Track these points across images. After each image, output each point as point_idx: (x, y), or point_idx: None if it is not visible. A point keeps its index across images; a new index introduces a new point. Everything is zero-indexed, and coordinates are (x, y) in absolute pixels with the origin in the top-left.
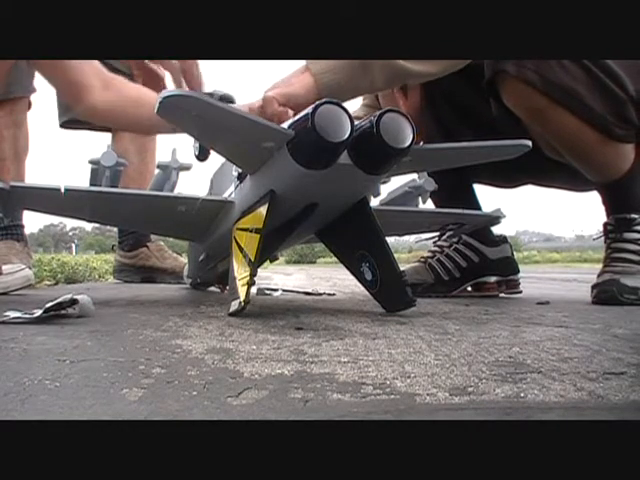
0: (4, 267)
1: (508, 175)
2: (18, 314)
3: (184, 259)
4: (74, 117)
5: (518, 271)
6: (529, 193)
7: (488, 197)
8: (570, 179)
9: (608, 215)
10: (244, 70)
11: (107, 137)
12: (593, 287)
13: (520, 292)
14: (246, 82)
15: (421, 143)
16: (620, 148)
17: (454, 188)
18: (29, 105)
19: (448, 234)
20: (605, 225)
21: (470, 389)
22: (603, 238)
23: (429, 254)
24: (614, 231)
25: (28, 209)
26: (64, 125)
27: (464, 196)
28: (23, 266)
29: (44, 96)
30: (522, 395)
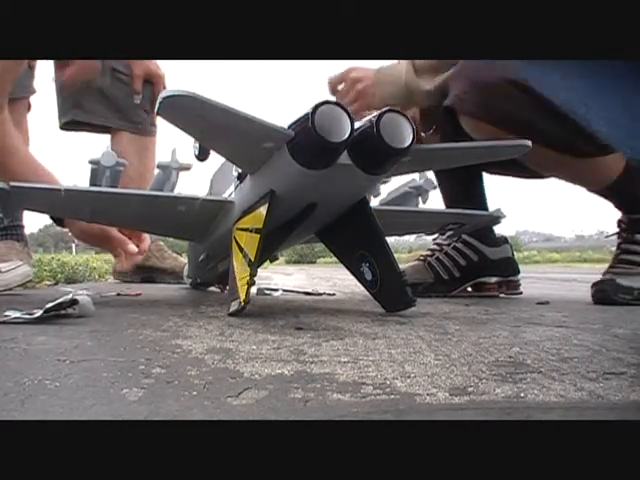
0: (2, 265)
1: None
2: (18, 314)
3: (184, 259)
4: (75, 118)
5: (518, 272)
6: (529, 193)
7: (489, 196)
8: None
9: (622, 214)
10: (244, 70)
11: (107, 138)
12: (592, 287)
13: (520, 293)
14: (246, 83)
15: (432, 130)
16: (595, 162)
17: (462, 182)
18: (29, 106)
19: (448, 234)
20: (619, 223)
21: (470, 389)
22: (616, 236)
23: (428, 252)
24: (626, 231)
25: (28, 209)
26: (64, 126)
27: (472, 188)
28: (21, 262)
29: (44, 97)
30: (522, 395)
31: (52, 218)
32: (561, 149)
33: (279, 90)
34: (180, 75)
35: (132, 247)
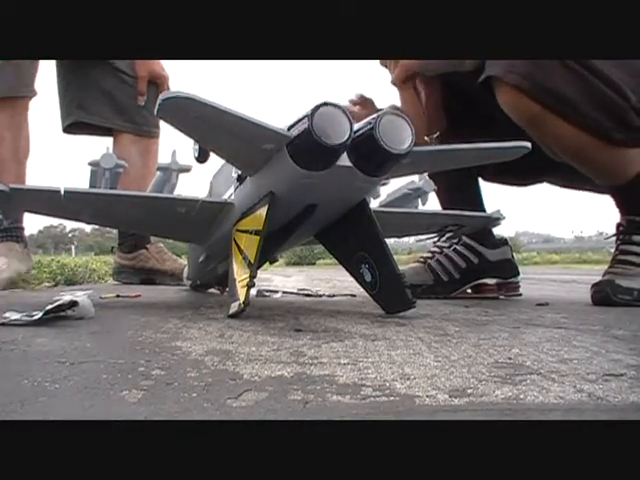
0: None
1: (520, 173)
2: (18, 316)
3: (183, 261)
4: (78, 119)
5: (518, 274)
6: (528, 193)
7: (488, 197)
8: (587, 179)
9: (621, 216)
10: (243, 70)
11: (107, 141)
12: (591, 288)
13: (520, 295)
14: (246, 82)
15: (437, 134)
16: (624, 153)
17: (459, 184)
18: (29, 108)
19: (447, 235)
20: (618, 226)
21: (470, 391)
22: (615, 238)
23: (429, 254)
24: (624, 232)
25: (28, 211)
26: (67, 129)
27: (468, 192)
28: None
29: (48, 100)
30: (521, 397)
31: None
32: (599, 134)
33: (280, 90)
34: (183, 75)
35: None
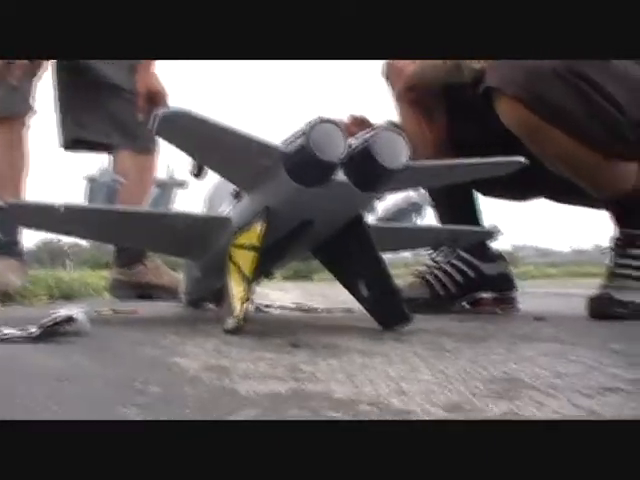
0: None
1: (518, 188)
2: (13, 331)
3: (180, 275)
4: (78, 137)
5: (515, 287)
6: (526, 206)
7: (484, 209)
8: (585, 195)
9: (617, 229)
10: (242, 70)
11: (104, 157)
12: (588, 301)
13: (517, 309)
14: (245, 83)
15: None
16: (620, 166)
17: (456, 199)
18: (27, 125)
19: (443, 250)
20: (613, 239)
21: (466, 406)
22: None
23: (425, 268)
24: (620, 246)
25: (25, 226)
26: (66, 146)
27: (465, 207)
28: None
29: (47, 118)
30: (518, 412)
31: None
32: (596, 147)
33: (280, 90)
34: (181, 89)
35: None
